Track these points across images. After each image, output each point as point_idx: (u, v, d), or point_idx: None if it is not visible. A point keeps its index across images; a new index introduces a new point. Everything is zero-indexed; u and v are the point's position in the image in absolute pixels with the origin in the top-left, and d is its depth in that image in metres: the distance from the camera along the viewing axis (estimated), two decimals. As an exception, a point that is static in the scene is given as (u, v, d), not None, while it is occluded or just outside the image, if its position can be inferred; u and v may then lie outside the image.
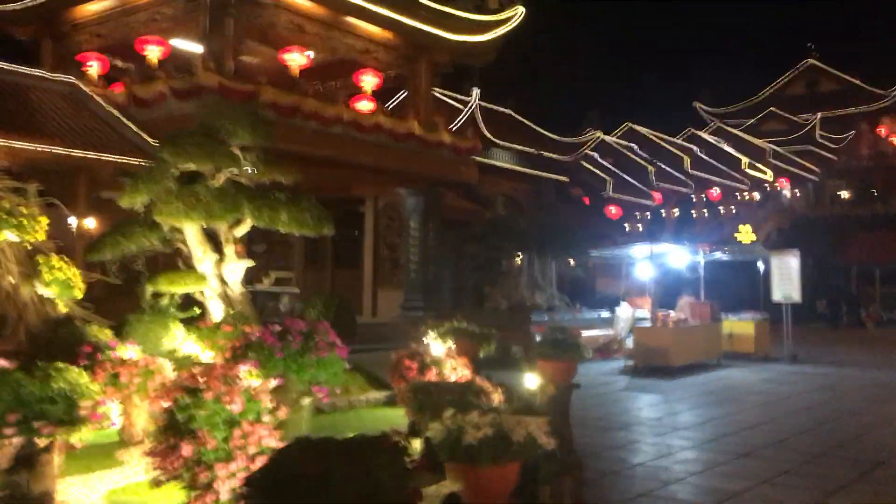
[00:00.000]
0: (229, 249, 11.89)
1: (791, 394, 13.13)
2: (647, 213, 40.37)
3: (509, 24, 23.30)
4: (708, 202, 44.88)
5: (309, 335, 6.14)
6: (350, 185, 25.30)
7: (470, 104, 26.87)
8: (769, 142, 49.94)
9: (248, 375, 6.01)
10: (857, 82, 54.87)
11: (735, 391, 13.32)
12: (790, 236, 44.91)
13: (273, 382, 6.09)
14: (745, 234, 36.79)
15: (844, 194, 51.23)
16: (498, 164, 28.42)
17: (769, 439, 9.24)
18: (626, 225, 37.04)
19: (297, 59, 20.09)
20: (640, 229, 37.07)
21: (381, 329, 21.51)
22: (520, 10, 23.26)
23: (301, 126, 18.84)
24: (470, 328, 10.33)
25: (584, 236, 23.46)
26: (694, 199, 44.25)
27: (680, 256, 17.58)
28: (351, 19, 21.03)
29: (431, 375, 8.50)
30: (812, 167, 51.07)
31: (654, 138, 41.70)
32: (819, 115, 52.50)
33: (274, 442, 5.67)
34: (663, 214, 40.90)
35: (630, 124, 41.66)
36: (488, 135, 26.95)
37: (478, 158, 27.63)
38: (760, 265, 18.16)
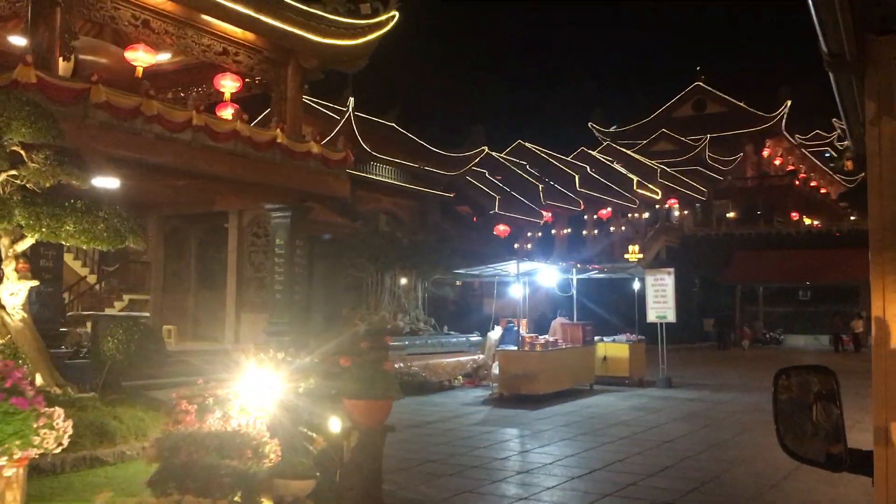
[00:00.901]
0: (9, 267, 10.10)
1: (657, 423, 12.14)
2: (539, 232, 39.78)
3: (382, 28, 22.02)
4: (599, 221, 44.72)
5: (-26, 380, 4.54)
6: (213, 200, 23.48)
7: (345, 114, 25.42)
8: (660, 162, 50.39)
9: None
10: (742, 105, 56.17)
11: (600, 422, 12.23)
12: (679, 255, 45.20)
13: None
14: (633, 253, 36.53)
15: (730, 214, 52.19)
16: (376, 178, 27.07)
17: (619, 483, 8.09)
18: (515, 244, 36.20)
19: (142, 58, 18.30)
20: (530, 248, 36.33)
21: (232, 357, 19.71)
22: (394, 16, 22.03)
23: (142, 131, 16.98)
24: (285, 359, 8.77)
25: (467, 254, 22.29)
26: (585, 219, 44.03)
27: (550, 274, 16.54)
28: (206, 17, 19.29)
29: (212, 420, 6.97)
30: (700, 187, 51.82)
31: (545, 156, 41.18)
32: (708, 136, 53.34)
33: None
34: (554, 233, 40.37)
35: (521, 141, 41.06)
36: (366, 147, 25.57)
37: (355, 172, 26.24)
38: (636, 284, 17.32)
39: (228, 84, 20.76)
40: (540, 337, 15.49)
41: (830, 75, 2.30)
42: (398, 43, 23.10)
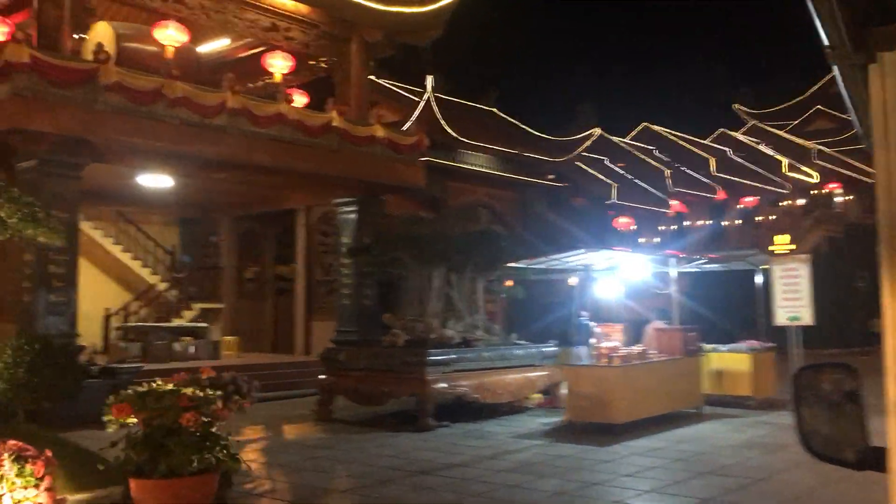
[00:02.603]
0: None
1: (772, 471, 8.53)
2: (673, 225, 35.53)
3: (457, -8, 19.16)
4: (743, 210, 39.75)
5: None
6: (280, 196, 21.39)
7: (427, 96, 22.65)
8: (818, 142, 44.49)
9: None
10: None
11: (686, 469, 8.75)
12: (843, 246, 39.47)
13: None
14: (782, 244, 31.62)
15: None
16: (469, 167, 24.12)
17: None
18: (640, 238, 32.22)
19: (172, 37, 16.34)
20: (658, 242, 32.22)
21: (287, 371, 17.49)
22: (469, -25, 19.11)
23: (165, 116, 14.91)
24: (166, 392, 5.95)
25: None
26: (727, 208, 39.24)
27: (639, 267, 13.03)
28: (249, -13, 17.17)
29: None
30: (868, 169, 45.42)
31: (676, 140, 36.87)
32: (873, 110, 46.74)
33: None
34: (688, 224, 35.95)
35: (646, 124, 36.96)
36: (452, 132, 22.67)
37: (444, 161, 23.46)
38: (759, 277, 13.45)
39: (279, 64, 18.46)
40: (622, 346, 12.09)
41: (834, 67, 2.31)
42: (497, 16, 20.17)
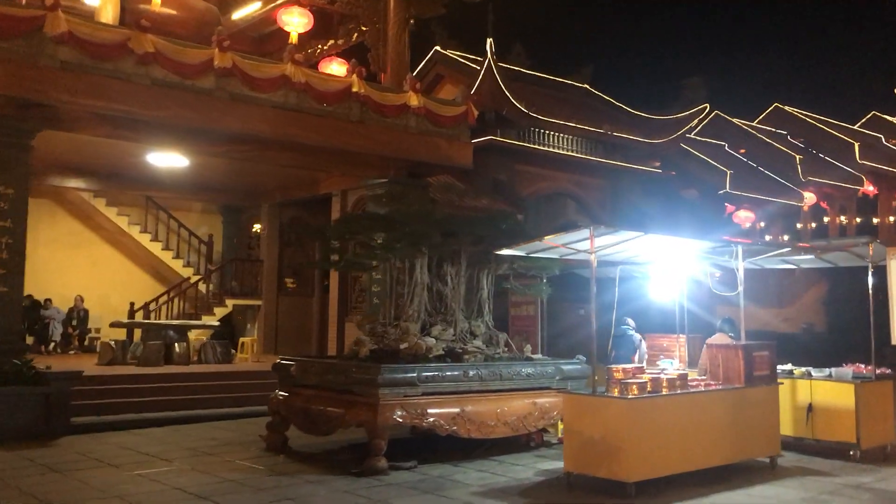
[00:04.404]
0: None
1: None
2: (811, 223, 30.55)
3: (508, -68, 15.94)
4: (900, 206, 33.95)
5: None
6: (318, 180, 18.85)
7: (493, 66, 19.42)
8: None
9: None
10: None
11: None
12: None
13: None
14: (943, 244, 26.12)
15: None
16: (547, 150, 20.65)
17: None
18: (767, 235, 27.61)
19: (158, -13, 14.13)
20: (786, 240, 27.47)
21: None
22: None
23: (133, 76, 12.62)
24: None
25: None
26: (880, 204, 33.63)
27: (686, 258, 9.39)
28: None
29: None
30: None
31: (816, 123, 31.81)
32: None
33: None
34: (827, 221, 30.79)
35: (778, 105, 32.09)
36: (519, 105, 19.34)
37: (516, 143, 20.19)
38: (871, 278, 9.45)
39: (294, 21, 15.97)
40: (669, 369, 8.60)
41: None
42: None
